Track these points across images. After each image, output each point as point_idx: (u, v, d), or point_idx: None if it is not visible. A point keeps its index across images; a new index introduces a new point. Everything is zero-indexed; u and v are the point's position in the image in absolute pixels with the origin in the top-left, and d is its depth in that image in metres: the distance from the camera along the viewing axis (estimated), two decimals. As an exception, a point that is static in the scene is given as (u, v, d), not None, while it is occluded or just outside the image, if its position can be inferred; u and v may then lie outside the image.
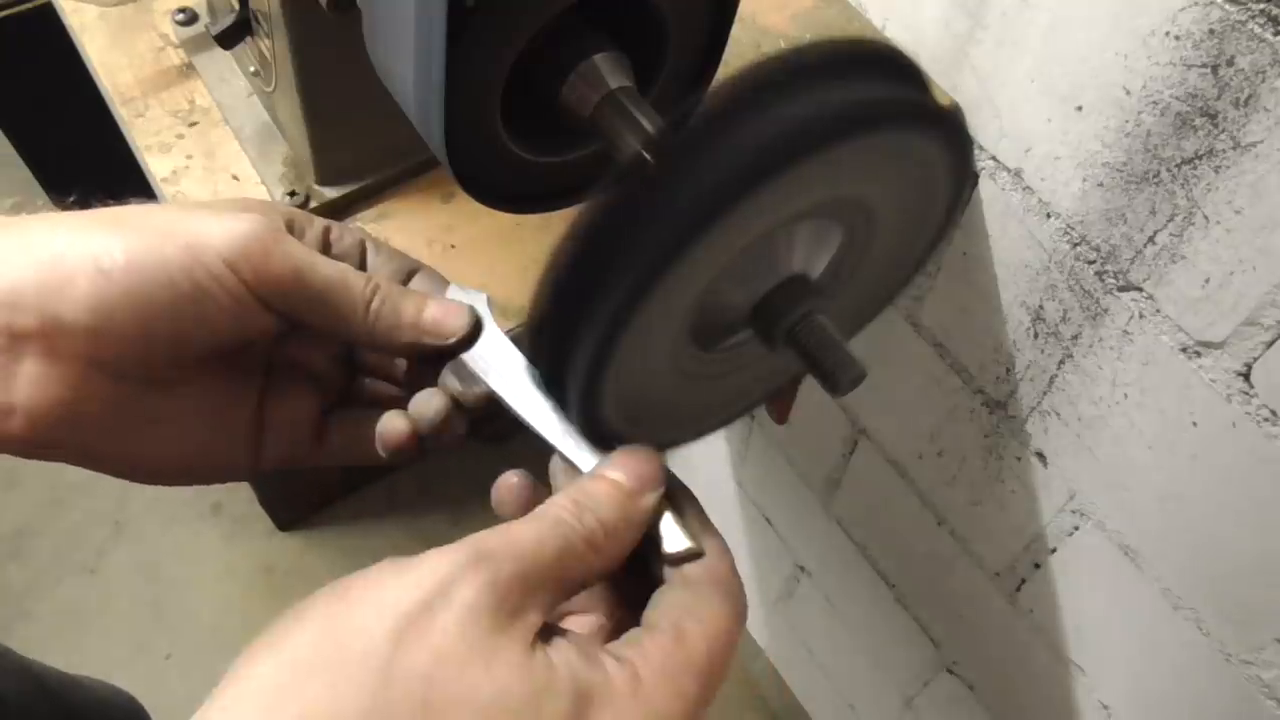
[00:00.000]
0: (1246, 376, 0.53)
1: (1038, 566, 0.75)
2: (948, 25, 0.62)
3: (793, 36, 0.67)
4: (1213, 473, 0.57)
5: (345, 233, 0.41)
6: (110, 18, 0.68)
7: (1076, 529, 0.70)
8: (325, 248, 0.40)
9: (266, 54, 0.57)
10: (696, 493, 0.36)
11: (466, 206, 0.54)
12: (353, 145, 0.59)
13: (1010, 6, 0.57)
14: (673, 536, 0.34)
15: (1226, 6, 0.46)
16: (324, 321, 0.38)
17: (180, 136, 0.63)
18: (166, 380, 0.37)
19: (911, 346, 0.77)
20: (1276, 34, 0.45)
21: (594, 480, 0.34)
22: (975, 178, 0.64)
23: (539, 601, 0.30)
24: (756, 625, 1.34)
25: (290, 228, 0.39)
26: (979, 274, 0.67)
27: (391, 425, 0.38)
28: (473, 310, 0.39)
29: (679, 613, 0.32)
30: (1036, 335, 0.65)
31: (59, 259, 0.34)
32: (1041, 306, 0.64)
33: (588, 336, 0.32)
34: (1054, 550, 0.73)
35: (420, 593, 0.28)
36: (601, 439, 0.37)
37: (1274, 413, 0.52)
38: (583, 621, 0.37)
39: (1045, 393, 0.67)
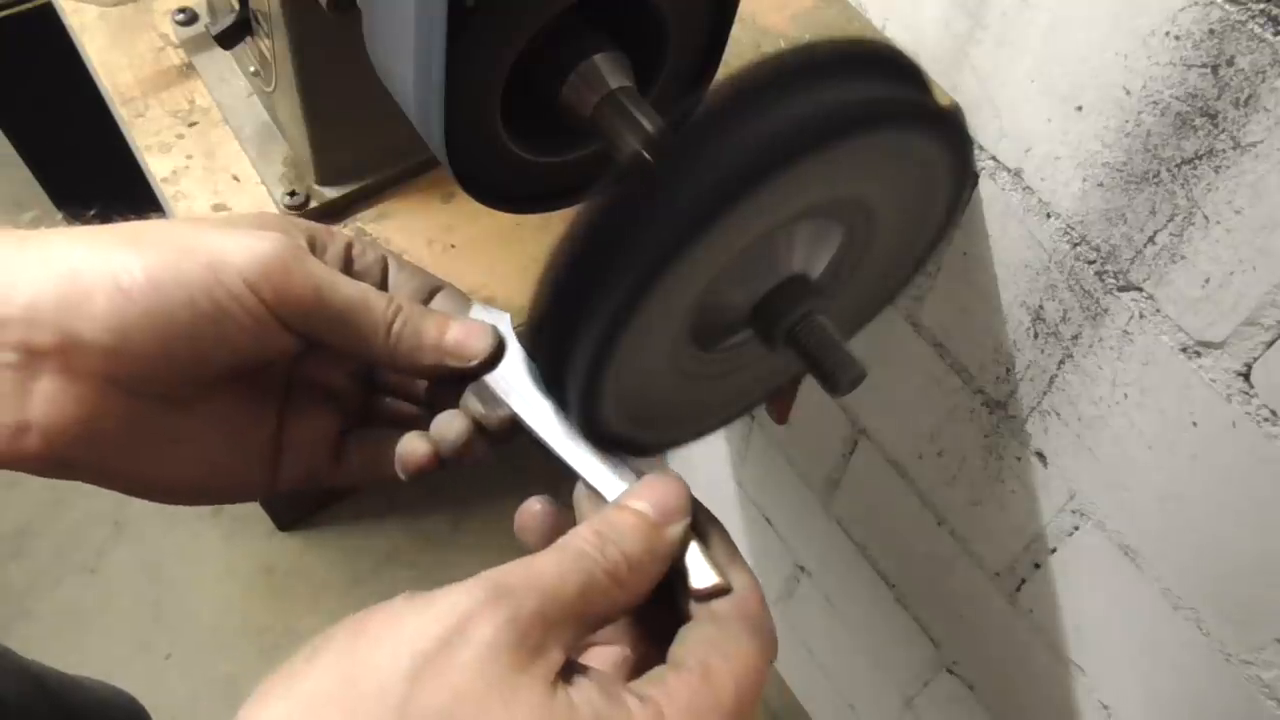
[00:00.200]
0: (1246, 376, 0.53)
1: (1038, 566, 0.75)
2: (948, 25, 0.62)
3: (793, 36, 0.67)
4: (1213, 473, 0.57)
5: (368, 249, 0.40)
6: (110, 18, 0.68)
7: (1076, 529, 0.70)
8: (347, 265, 0.40)
9: (266, 54, 0.57)
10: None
11: (466, 206, 0.54)
12: (352, 145, 0.59)
13: (1010, 6, 0.57)
14: (699, 571, 0.33)
15: (1226, 6, 0.46)
16: (345, 342, 0.37)
17: (180, 136, 0.63)
18: (184, 399, 0.36)
19: (911, 346, 0.77)
20: (1276, 34, 0.45)
21: (618, 511, 0.33)
22: (975, 178, 0.64)
23: (561, 638, 0.29)
24: (756, 625, 1.33)
25: (312, 245, 0.38)
26: (979, 274, 0.67)
27: (412, 448, 0.38)
28: (495, 331, 0.38)
29: (705, 649, 0.31)
30: (1036, 335, 0.65)
31: (78, 275, 0.33)
32: (1041, 306, 0.64)
33: (587, 336, 0.32)
34: (1054, 550, 0.73)
35: (439, 629, 0.27)
36: (601, 439, 0.37)
37: (1274, 413, 0.52)
38: (606, 653, 0.37)
39: (1045, 393, 0.67)
